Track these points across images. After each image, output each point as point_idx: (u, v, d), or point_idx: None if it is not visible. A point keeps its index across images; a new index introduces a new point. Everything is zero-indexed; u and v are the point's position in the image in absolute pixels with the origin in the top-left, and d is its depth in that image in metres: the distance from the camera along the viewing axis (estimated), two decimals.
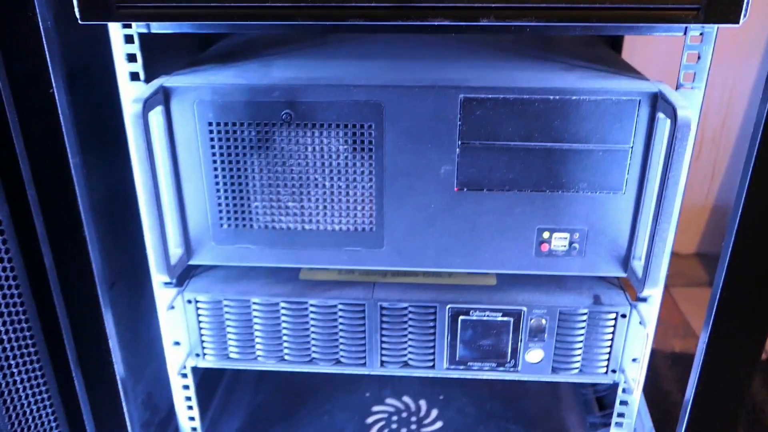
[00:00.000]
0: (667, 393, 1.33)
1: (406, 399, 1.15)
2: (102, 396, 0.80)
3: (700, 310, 1.65)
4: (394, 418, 1.11)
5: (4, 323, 0.70)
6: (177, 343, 0.83)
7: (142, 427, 0.92)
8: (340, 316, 0.79)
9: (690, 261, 1.77)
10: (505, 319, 0.78)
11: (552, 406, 1.12)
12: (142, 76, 0.70)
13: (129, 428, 0.85)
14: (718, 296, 0.68)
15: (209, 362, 0.84)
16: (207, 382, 1.12)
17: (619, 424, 0.85)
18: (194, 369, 0.86)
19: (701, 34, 0.67)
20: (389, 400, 1.14)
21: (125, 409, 0.83)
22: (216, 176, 0.73)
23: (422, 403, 1.14)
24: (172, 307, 0.80)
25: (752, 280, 0.69)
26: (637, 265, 0.73)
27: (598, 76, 0.72)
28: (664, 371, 1.38)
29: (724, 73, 1.51)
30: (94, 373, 0.79)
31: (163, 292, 0.80)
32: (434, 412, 1.10)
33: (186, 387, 0.87)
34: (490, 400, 1.10)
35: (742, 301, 0.69)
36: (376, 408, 1.13)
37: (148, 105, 0.66)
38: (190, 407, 0.88)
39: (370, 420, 1.10)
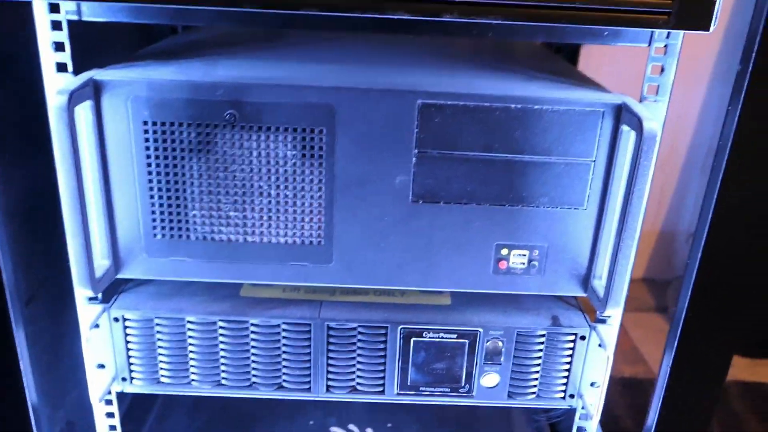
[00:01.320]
0: (618, 418, 1.30)
1: (351, 427, 1.09)
2: (11, 426, 0.72)
3: (648, 335, 1.65)
4: None
5: None
6: (101, 366, 0.75)
7: None
8: (284, 337, 0.73)
9: (637, 286, 1.77)
10: (461, 340, 0.74)
11: (504, 427, 1.08)
12: (70, 67, 0.63)
13: None
14: (682, 318, 0.66)
15: (137, 387, 0.76)
16: (136, 408, 1.03)
17: None
18: (120, 395, 0.78)
19: (665, 46, 0.65)
20: (334, 429, 1.08)
21: None
22: (150, 181, 0.67)
23: (369, 431, 1.08)
24: (97, 326, 0.72)
25: (717, 302, 0.66)
26: (598, 284, 0.70)
27: (560, 86, 0.69)
28: (615, 397, 1.36)
29: (672, 99, 1.53)
30: (1, 400, 0.71)
31: (86, 309, 0.72)
32: None
33: (110, 415, 0.79)
34: (440, 426, 1.05)
35: (706, 324, 0.67)
36: None
37: (74, 98, 0.59)
38: None
39: None
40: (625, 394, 1.38)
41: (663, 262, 1.76)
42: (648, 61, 0.66)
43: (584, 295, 0.72)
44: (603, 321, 0.74)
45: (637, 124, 0.62)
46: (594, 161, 0.68)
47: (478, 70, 0.76)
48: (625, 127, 0.65)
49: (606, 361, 0.72)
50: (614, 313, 0.71)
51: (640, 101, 0.67)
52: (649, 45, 0.65)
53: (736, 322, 0.70)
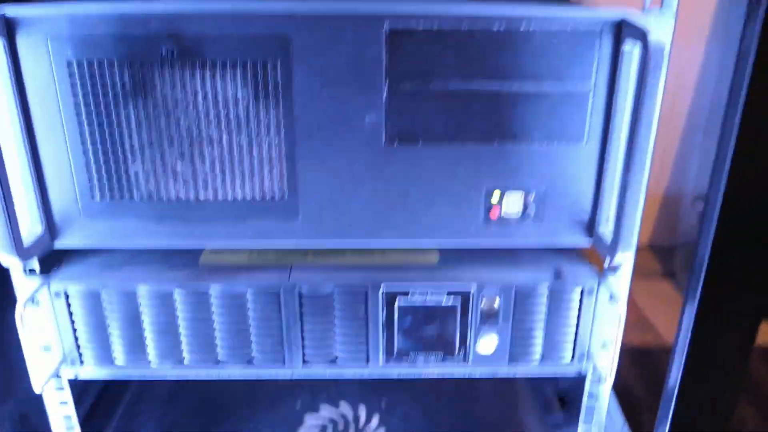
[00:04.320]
0: (630, 388, 1.22)
1: (342, 407, 1.00)
2: None
3: (656, 303, 1.56)
4: (330, 429, 0.96)
5: None
6: (47, 349, 0.66)
7: None
8: (250, 308, 0.65)
9: (642, 253, 1.68)
10: (452, 300, 0.65)
11: (507, 407, 0.99)
12: None
13: None
14: (702, 278, 0.57)
15: (89, 370, 0.68)
16: (103, 403, 0.94)
17: (587, 421, 0.73)
18: (73, 382, 0.70)
19: None
20: (324, 409, 1.00)
21: None
22: (81, 132, 0.58)
23: (362, 409, 1.00)
24: (36, 302, 0.64)
25: (740, 260, 0.58)
26: (605, 229, 0.61)
27: (549, 3, 0.60)
28: (624, 366, 1.28)
29: (671, 57, 1.44)
30: None
31: (22, 282, 0.63)
32: (375, 419, 0.96)
33: (64, 403, 0.70)
34: (438, 402, 0.97)
35: (730, 285, 0.59)
36: (309, 420, 0.98)
37: None
38: (71, 428, 0.71)
39: None
40: (636, 364, 1.29)
41: (668, 228, 1.67)
42: None
43: (588, 244, 0.63)
44: (613, 271, 0.65)
45: (642, 38, 0.53)
46: (593, 88, 0.59)
47: None
48: (627, 47, 0.56)
49: (618, 316, 0.63)
50: (625, 258, 0.62)
51: (642, 12, 0.58)
52: None
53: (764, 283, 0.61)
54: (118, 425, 0.94)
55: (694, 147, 1.54)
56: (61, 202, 0.60)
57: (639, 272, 1.63)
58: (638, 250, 1.73)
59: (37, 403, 0.73)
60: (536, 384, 1.03)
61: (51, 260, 0.65)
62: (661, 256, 1.65)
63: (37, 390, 0.65)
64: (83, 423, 0.73)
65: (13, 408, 0.75)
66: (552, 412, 0.96)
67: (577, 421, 0.73)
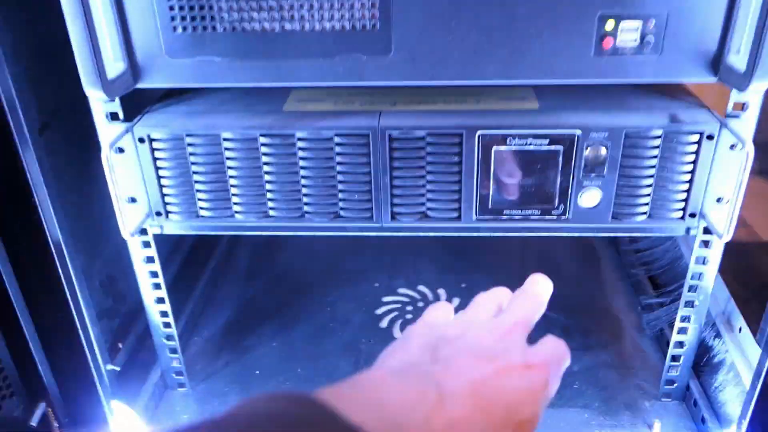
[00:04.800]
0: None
1: (421, 288, 0.98)
2: (34, 267, 0.64)
3: (750, 199, 1.46)
4: (409, 308, 0.94)
5: None
6: (132, 200, 0.65)
7: (103, 316, 0.75)
8: (338, 153, 0.61)
9: None
10: (554, 147, 0.60)
11: (596, 289, 0.95)
12: None
13: (83, 312, 0.68)
14: None
15: (174, 223, 0.66)
16: (186, 276, 0.95)
17: (693, 288, 0.68)
18: (159, 239, 0.69)
19: None
20: (402, 290, 0.98)
21: (74, 289, 0.67)
22: None
23: (441, 292, 0.97)
24: (121, 150, 0.62)
25: None
26: (735, 59, 0.54)
27: None
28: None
29: None
30: (21, 240, 0.62)
31: (106, 128, 0.61)
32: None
33: (150, 260, 0.69)
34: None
35: None
36: (386, 299, 0.96)
37: None
38: (157, 286, 0.71)
39: (380, 311, 0.94)
40: (727, 257, 1.22)
41: (765, 120, 1.55)
42: None
43: (714, 79, 0.56)
44: (736, 116, 0.58)
45: None
46: None
47: None
48: None
49: (745, 159, 0.57)
50: (755, 95, 0.55)
51: None
52: None
53: None
54: (200, 295, 0.95)
55: None
56: (143, 38, 0.57)
57: None
58: None
59: (123, 264, 0.73)
60: (627, 266, 0.99)
61: (134, 108, 0.63)
62: (758, 151, 1.53)
63: (126, 236, 0.64)
64: (170, 287, 0.72)
65: (101, 268, 0.75)
66: (644, 293, 0.91)
67: (675, 308, 0.69)
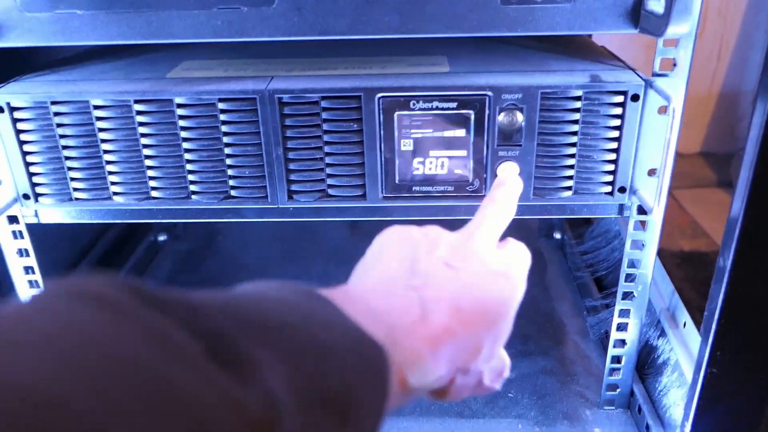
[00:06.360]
0: (679, 290, 1.09)
1: None
2: None
3: (710, 210, 1.41)
4: None
5: None
6: None
7: None
8: (223, 122, 0.54)
9: (695, 161, 1.53)
10: (464, 111, 0.53)
11: (539, 294, 0.88)
12: None
13: None
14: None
15: (45, 207, 0.59)
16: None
17: (630, 278, 0.61)
18: (36, 234, 0.61)
19: None
20: None
21: None
22: None
23: None
24: None
25: None
26: (655, 4, 0.49)
27: None
28: (672, 269, 1.15)
29: None
30: None
31: None
32: None
33: (23, 253, 0.61)
34: None
35: None
36: None
37: None
38: (35, 284, 0.63)
39: None
40: (686, 267, 1.16)
41: (724, 132, 1.51)
42: None
43: (635, 31, 0.51)
44: (664, 75, 0.52)
45: None
46: None
47: None
48: None
49: (670, 121, 0.51)
50: (683, 30, 0.48)
51: None
52: None
53: None
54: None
55: (758, 35, 1.37)
56: None
57: (690, 181, 1.49)
58: (689, 157, 1.57)
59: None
60: (570, 269, 0.92)
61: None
62: (716, 164, 1.49)
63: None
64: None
65: None
66: (589, 296, 0.84)
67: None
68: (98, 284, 0.20)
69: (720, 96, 1.48)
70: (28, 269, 0.63)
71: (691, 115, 1.49)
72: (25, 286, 0.63)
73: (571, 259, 0.93)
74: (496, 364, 0.38)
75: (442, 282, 0.35)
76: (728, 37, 1.40)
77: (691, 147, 1.53)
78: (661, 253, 0.60)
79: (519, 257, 0.40)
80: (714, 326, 0.49)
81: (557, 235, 0.98)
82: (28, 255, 0.62)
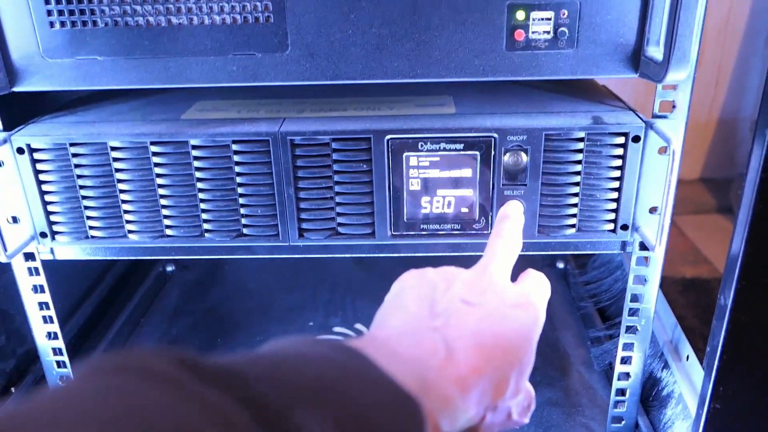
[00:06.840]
0: (681, 318, 1.10)
1: (358, 326, 0.91)
2: None
3: (711, 236, 1.43)
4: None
5: None
6: (15, 220, 0.59)
7: None
8: (237, 162, 0.56)
9: (694, 187, 1.55)
10: (470, 152, 0.55)
11: (544, 324, 0.89)
12: None
13: None
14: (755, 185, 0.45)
15: (62, 245, 0.60)
16: (105, 313, 0.88)
17: (633, 312, 0.62)
18: (48, 266, 0.62)
19: None
20: (338, 329, 0.91)
21: None
22: None
23: None
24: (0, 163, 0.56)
25: None
26: (654, 51, 0.50)
27: None
28: (675, 296, 1.16)
29: None
30: None
31: None
32: None
33: (39, 289, 0.63)
34: None
35: None
36: (320, 338, 0.89)
37: None
38: (49, 320, 0.64)
39: None
40: (688, 294, 1.17)
41: (723, 158, 1.53)
42: None
43: (635, 75, 0.53)
44: (664, 116, 0.54)
45: None
46: None
47: None
48: None
49: (670, 162, 0.52)
50: (682, 76, 0.50)
51: None
52: None
53: None
54: (121, 330, 0.87)
55: (755, 61, 1.39)
56: (18, 36, 0.52)
57: (690, 207, 1.50)
58: (689, 183, 1.58)
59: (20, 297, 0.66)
60: (574, 298, 0.93)
61: (14, 119, 0.58)
62: (715, 189, 1.51)
63: (2, 258, 0.57)
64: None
65: None
66: (593, 326, 0.85)
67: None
68: (151, 359, 0.21)
69: (719, 122, 1.50)
70: (42, 305, 0.64)
71: (691, 142, 1.51)
72: (40, 322, 0.64)
73: (574, 289, 0.94)
74: (522, 398, 0.38)
75: (462, 319, 0.36)
76: (726, 63, 1.43)
77: (691, 173, 1.55)
78: (662, 281, 0.61)
79: (537, 287, 0.41)
80: (716, 363, 0.51)
81: (560, 265, 0.99)
82: (43, 291, 0.63)
